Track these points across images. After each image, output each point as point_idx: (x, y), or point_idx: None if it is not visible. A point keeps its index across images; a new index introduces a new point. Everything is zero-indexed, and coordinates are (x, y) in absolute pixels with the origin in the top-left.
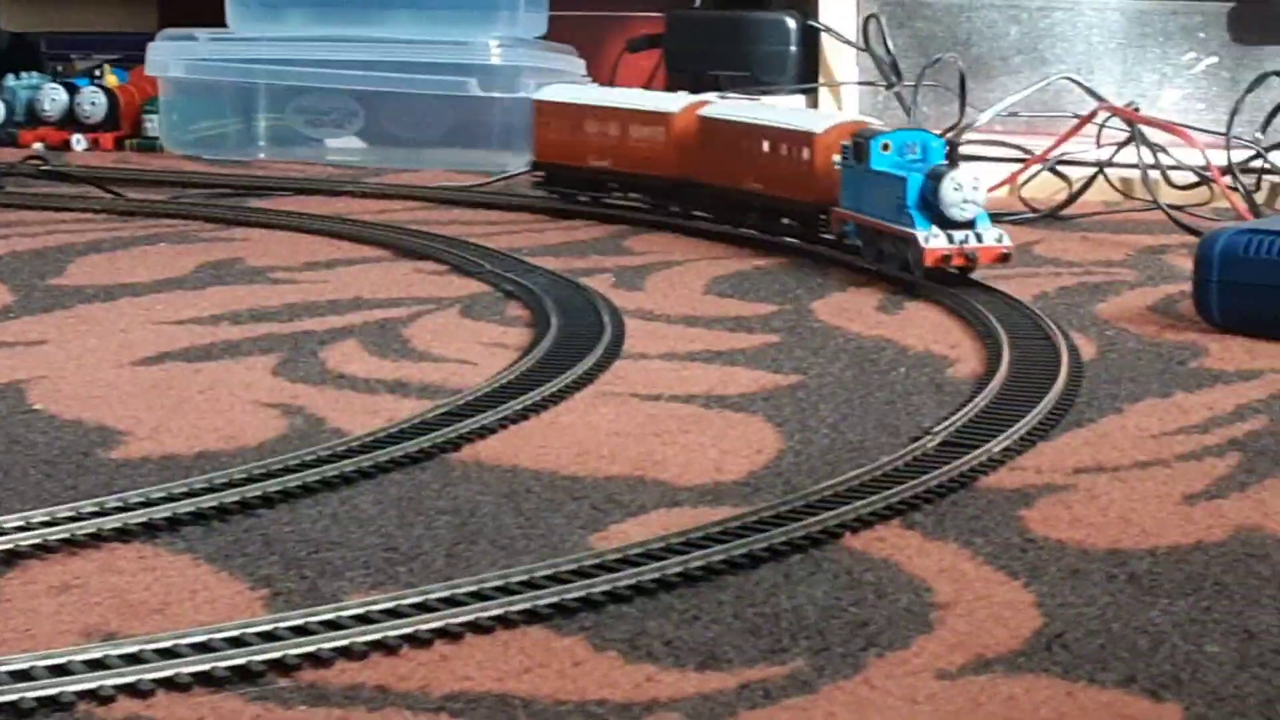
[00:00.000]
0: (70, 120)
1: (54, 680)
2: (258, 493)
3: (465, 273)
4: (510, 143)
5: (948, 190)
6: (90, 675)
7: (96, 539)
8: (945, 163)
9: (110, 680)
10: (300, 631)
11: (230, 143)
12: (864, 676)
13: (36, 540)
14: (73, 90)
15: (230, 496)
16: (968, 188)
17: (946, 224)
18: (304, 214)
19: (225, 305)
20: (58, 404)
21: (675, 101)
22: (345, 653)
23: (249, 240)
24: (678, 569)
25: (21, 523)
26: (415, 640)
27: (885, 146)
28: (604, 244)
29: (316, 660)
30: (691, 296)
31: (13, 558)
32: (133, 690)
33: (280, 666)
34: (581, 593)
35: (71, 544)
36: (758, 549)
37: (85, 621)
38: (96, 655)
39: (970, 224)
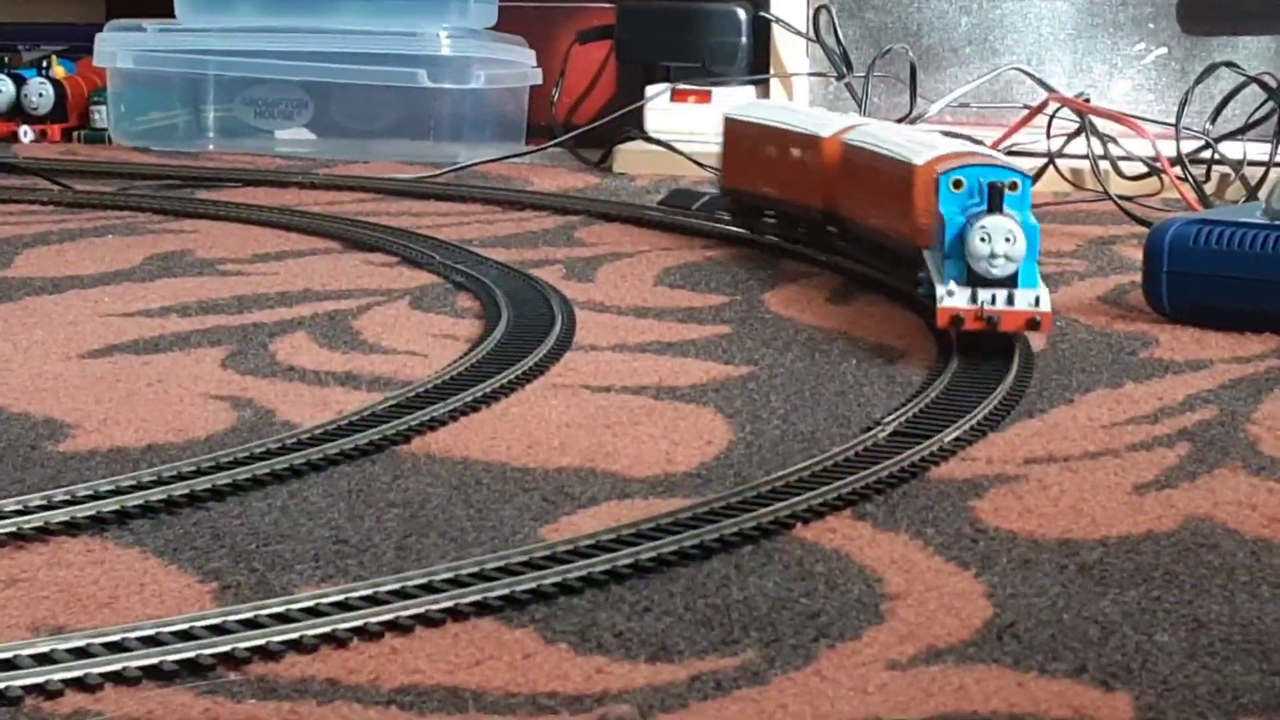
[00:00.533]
0: (17, 112)
1: (0, 675)
2: (207, 486)
3: (415, 264)
4: (460, 134)
5: (974, 241)
6: (37, 670)
7: (44, 532)
8: (986, 207)
9: (58, 674)
10: (250, 625)
11: (179, 134)
12: (815, 667)
13: None
14: (19, 82)
15: (179, 490)
16: (998, 239)
17: (977, 279)
18: (253, 206)
19: (174, 297)
20: (4, 397)
21: (830, 124)
22: (295, 646)
23: (198, 232)
24: (628, 560)
25: None
26: (365, 633)
27: (956, 184)
28: (554, 235)
29: (266, 653)
30: (642, 288)
31: None
32: (81, 684)
33: (230, 660)
34: (532, 585)
35: (18, 538)
36: (709, 540)
37: (33, 615)
38: (44, 649)
39: (1010, 280)
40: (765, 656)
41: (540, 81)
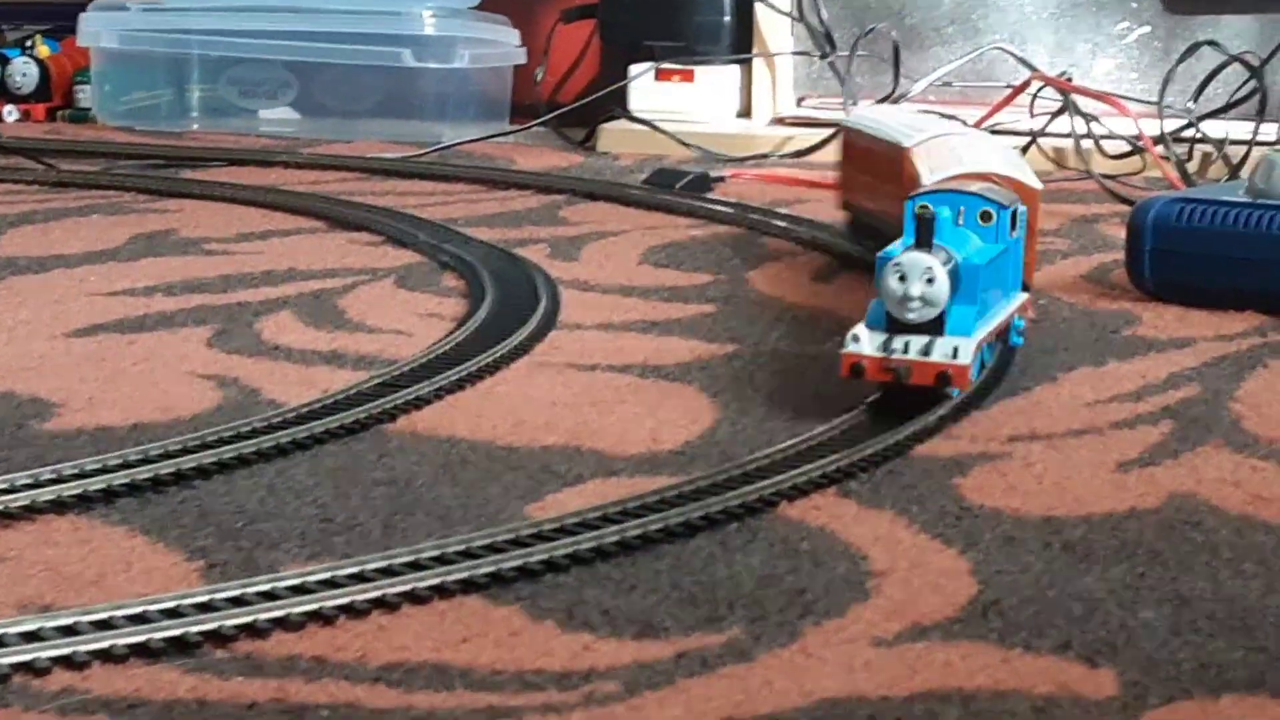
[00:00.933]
0: (1, 91)
1: None
2: (193, 464)
3: (400, 243)
4: (445, 113)
5: (889, 280)
6: (25, 647)
7: (30, 511)
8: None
9: (46, 652)
10: (237, 602)
11: (163, 114)
12: (801, 644)
13: None
14: (3, 61)
15: (165, 468)
16: (915, 279)
17: (896, 324)
18: (238, 185)
19: (159, 277)
20: None
21: (924, 130)
22: (282, 623)
23: (182, 211)
24: (615, 538)
25: None
26: (352, 611)
27: (960, 214)
28: (539, 214)
29: (253, 631)
30: (627, 266)
31: None
32: (68, 662)
33: (217, 638)
34: (518, 562)
35: (5, 516)
36: (694, 518)
37: (20, 594)
38: (31, 627)
39: (933, 326)
40: (751, 634)
41: (524, 61)
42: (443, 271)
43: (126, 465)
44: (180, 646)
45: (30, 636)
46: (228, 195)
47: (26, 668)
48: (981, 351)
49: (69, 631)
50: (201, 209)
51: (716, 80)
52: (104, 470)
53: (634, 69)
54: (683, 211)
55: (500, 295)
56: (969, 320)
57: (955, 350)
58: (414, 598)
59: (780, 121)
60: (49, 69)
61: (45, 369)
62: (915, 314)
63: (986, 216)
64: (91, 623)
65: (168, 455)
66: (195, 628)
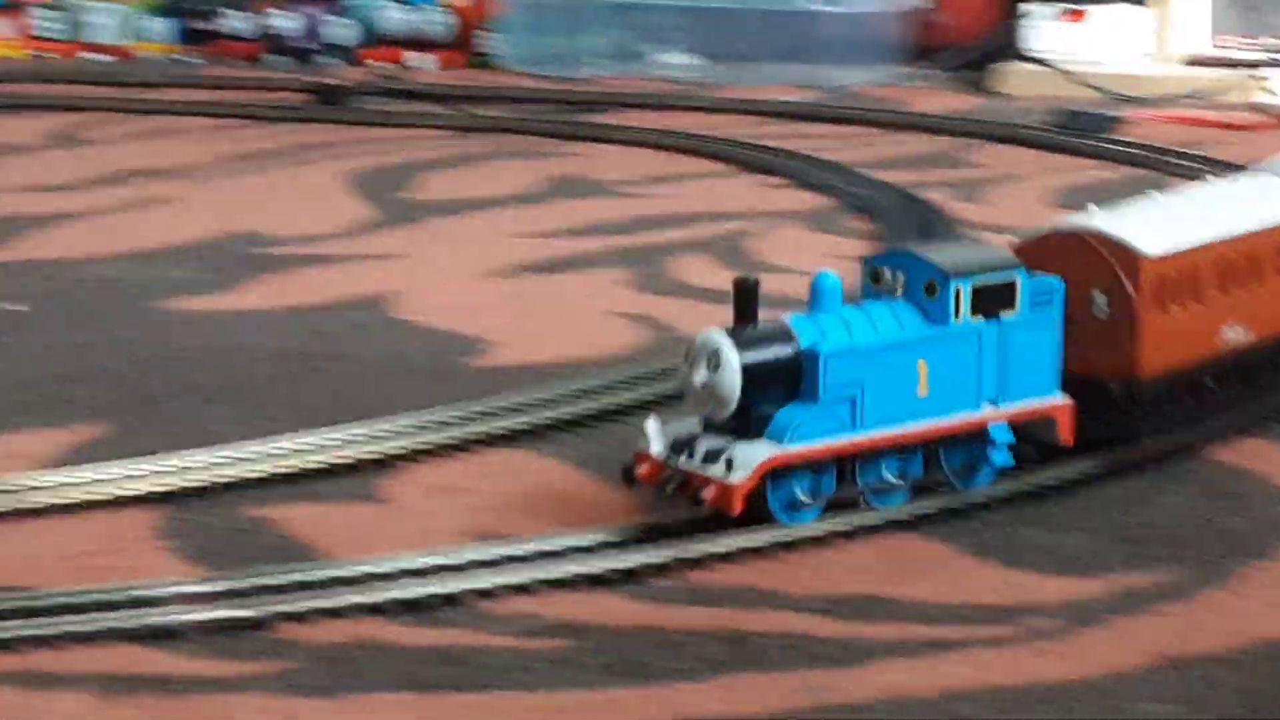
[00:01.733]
0: (412, 39)
1: (447, 576)
2: (617, 400)
3: (806, 185)
4: (841, 56)
5: (681, 363)
6: (478, 574)
7: (471, 443)
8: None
9: (499, 579)
10: (679, 534)
11: (567, 59)
12: (1231, 586)
13: (415, 445)
14: (414, 9)
15: (590, 404)
16: (701, 364)
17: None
18: (642, 129)
19: (572, 219)
20: (421, 314)
21: None
22: (724, 558)
23: (589, 155)
24: (1052, 481)
25: (400, 428)
26: (790, 545)
27: (875, 276)
28: (937, 156)
29: (691, 563)
30: (1031, 209)
31: (392, 460)
32: (522, 589)
33: (657, 569)
34: (957, 503)
35: (446, 449)
36: (1126, 460)
37: (470, 522)
38: (482, 555)
39: (747, 427)
40: (1182, 574)
41: (921, 4)
42: (849, 213)
43: (556, 400)
44: (628, 576)
45: (478, 564)
46: (633, 139)
47: (481, 594)
48: (886, 468)
49: (518, 560)
50: (608, 153)
51: (1122, 20)
52: (536, 404)
53: (1030, 8)
54: (1087, 153)
55: (903, 238)
56: (804, 426)
57: (730, 464)
58: (850, 535)
59: (1192, 63)
60: (459, 17)
61: (470, 308)
62: (700, 409)
63: (931, 289)
64: (542, 552)
65: (592, 391)
66: (638, 559)
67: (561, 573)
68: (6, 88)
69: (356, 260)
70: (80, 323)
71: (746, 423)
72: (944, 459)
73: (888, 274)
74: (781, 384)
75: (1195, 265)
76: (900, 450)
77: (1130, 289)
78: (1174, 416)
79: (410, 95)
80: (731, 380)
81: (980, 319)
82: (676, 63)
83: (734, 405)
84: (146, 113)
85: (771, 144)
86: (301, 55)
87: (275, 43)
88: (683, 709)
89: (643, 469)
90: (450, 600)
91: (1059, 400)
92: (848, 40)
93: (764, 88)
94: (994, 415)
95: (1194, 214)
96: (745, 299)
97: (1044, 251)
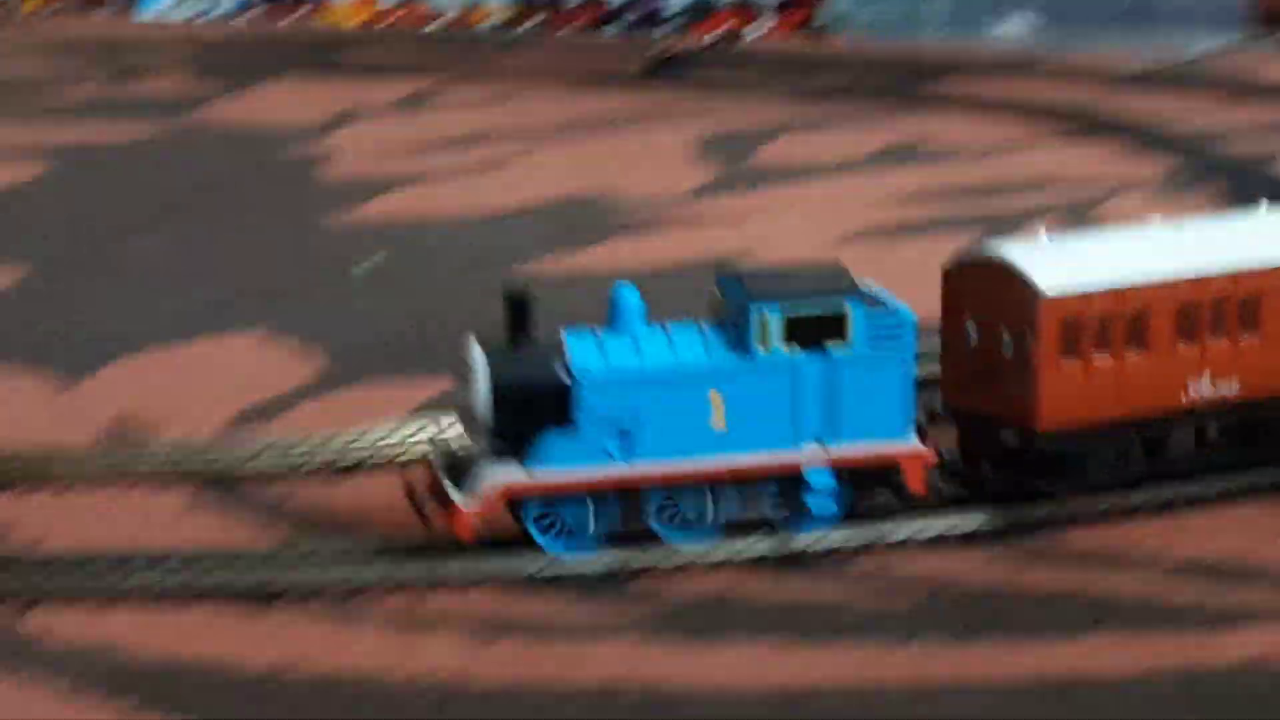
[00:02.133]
0: (745, 5)
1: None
2: None
3: (1153, 152)
4: (1188, 23)
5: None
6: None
7: None
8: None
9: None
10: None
11: (905, 26)
12: None
13: None
14: None
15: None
16: (470, 380)
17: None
18: (981, 96)
19: (918, 183)
20: None
21: None
22: (1073, 520)
23: (927, 121)
24: None
25: None
26: (1144, 510)
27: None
28: None
29: (1048, 525)
30: None
31: None
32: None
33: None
34: None
35: None
36: None
37: None
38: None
39: (508, 449)
40: None
41: None
42: (1195, 182)
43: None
44: (968, 540)
45: None
46: (973, 105)
47: (838, 552)
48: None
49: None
50: (948, 118)
51: None
52: None
53: None
54: None
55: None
56: (559, 453)
57: (468, 486)
58: (1202, 500)
59: None
60: None
61: None
62: (468, 425)
63: (738, 316)
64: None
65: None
66: (986, 521)
67: (912, 531)
68: (354, 56)
69: (705, 224)
70: (433, 281)
71: (517, 443)
72: (761, 499)
73: (718, 294)
74: (547, 407)
75: (1143, 306)
76: (700, 485)
77: (1027, 331)
78: (1095, 477)
79: (746, 62)
80: (483, 400)
81: (798, 351)
82: (1016, 29)
83: (489, 425)
84: (489, 79)
85: (1115, 110)
86: (638, 23)
87: (612, 11)
88: (1044, 666)
89: (413, 486)
90: (808, 558)
91: (908, 445)
92: (1196, 7)
93: (1106, 54)
94: (817, 457)
95: (1161, 246)
96: (517, 311)
97: (963, 278)
